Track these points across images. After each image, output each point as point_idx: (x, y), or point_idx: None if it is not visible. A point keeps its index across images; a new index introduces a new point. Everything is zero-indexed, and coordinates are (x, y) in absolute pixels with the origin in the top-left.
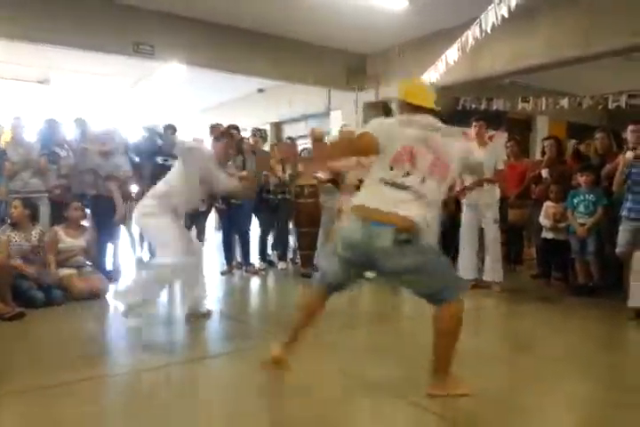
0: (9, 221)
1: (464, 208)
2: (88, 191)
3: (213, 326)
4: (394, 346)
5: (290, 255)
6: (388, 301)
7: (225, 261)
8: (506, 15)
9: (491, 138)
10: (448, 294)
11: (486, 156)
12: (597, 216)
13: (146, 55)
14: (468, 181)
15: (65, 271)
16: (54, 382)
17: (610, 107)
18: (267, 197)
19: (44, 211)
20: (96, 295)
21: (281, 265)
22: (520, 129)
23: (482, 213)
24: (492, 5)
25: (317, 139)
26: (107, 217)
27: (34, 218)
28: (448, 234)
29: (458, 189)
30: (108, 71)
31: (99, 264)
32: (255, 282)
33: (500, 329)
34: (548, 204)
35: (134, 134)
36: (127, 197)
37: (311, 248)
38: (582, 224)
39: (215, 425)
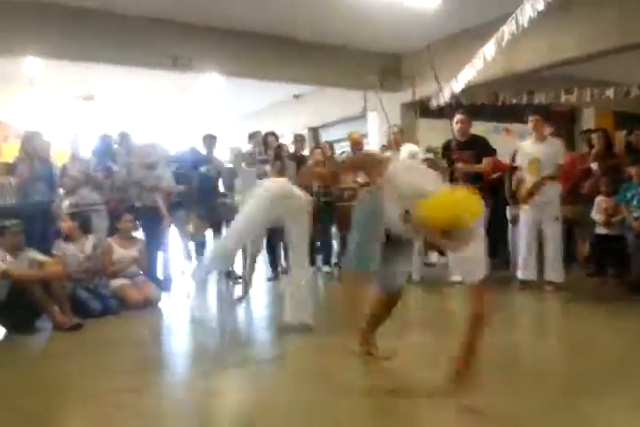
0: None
1: (523, 206)
2: (134, 203)
3: (262, 331)
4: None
5: (334, 259)
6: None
7: (270, 267)
8: (543, 8)
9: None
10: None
11: (545, 151)
12: None
13: (184, 68)
14: (529, 181)
15: (119, 281)
16: (114, 389)
17: None
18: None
19: (102, 223)
20: (150, 304)
21: (325, 269)
22: (564, 121)
23: (542, 210)
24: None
25: (355, 141)
26: (154, 227)
27: (86, 230)
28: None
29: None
30: (150, 84)
31: (150, 273)
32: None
33: (555, 330)
34: (599, 198)
35: (176, 145)
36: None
37: None
38: (637, 218)
39: None
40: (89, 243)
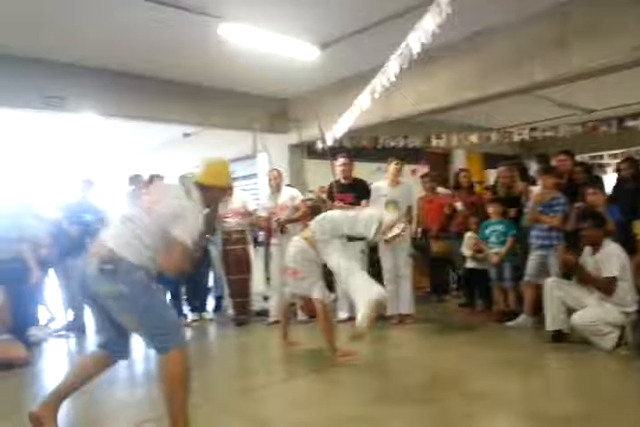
0: None
1: (382, 246)
2: None
3: (142, 389)
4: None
5: (214, 303)
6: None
7: None
8: (405, 66)
9: (414, 172)
10: (165, 342)
11: (400, 193)
12: (507, 245)
13: (54, 108)
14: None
15: None
16: None
17: (515, 140)
18: None
19: None
20: (14, 365)
21: (207, 315)
22: (440, 162)
23: (397, 248)
24: (395, 55)
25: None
26: (19, 281)
27: None
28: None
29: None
30: (26, 125)
31: (16, 330)
32: (188, 334)
33: (428, 362)
34: (468, 235)
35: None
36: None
37: (244, 295)
38: (497, 253)
39: None
40: None
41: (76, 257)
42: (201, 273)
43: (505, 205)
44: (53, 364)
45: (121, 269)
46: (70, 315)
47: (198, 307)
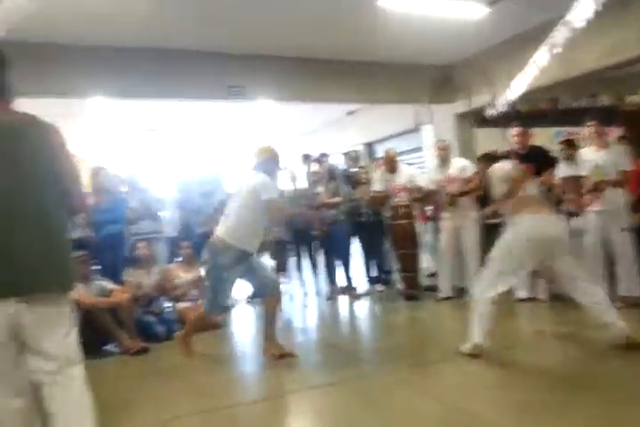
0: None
1: (588, 215)
2: (197, 229)
3: (320, 355)
4: None
5: (383, 277)
6: None
7: (329, 287)
8: (599, 8)
9: (607, 135)
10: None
11: (607, 157)
12: None
13: (237, 97)
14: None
15: (182, 305)
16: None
17: None
18: (359, 220)
19: (162, 251)
20: (211, 327)
21: (378, 287)
22: (637, 121)
23: (608, 219)
24: (579, 2)
25: (391, 159)
26: None
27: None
28: None
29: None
30: (208, 112)
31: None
32: (360, 306)
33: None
34: None
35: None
36: None
37: (413, 270)
38: None
39: None
40: (155, 269)
41: None
42: (375, 248)
43: None
44: (241, 327)
45: (219, 248)
46: None
47: (370, 280)
